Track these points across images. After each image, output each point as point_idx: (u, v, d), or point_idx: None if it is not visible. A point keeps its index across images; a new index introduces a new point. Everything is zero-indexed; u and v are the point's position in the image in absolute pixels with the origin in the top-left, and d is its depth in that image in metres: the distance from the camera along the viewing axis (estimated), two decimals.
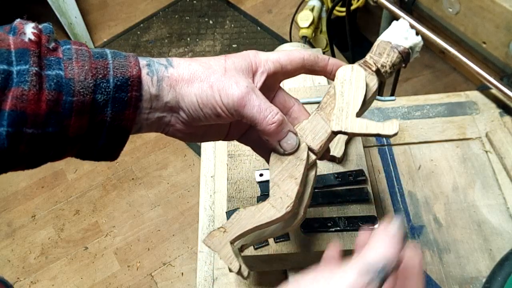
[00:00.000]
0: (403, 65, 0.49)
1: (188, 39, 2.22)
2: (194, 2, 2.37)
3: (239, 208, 0.51)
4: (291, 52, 0.47)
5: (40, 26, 0.39)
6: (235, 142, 0.67)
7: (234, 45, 2.18)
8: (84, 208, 1.76)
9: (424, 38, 0.90)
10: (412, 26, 0.49)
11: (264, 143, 0.48)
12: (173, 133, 0.46)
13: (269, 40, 2.17)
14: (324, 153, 0.49)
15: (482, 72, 0.80)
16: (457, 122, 0.78)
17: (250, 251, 0.57)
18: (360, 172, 0.62)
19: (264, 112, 0.42)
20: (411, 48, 0.48)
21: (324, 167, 0.63)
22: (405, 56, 0.48)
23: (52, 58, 0.37)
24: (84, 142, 0.40)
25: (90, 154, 0.42)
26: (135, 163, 1.85)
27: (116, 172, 1.84)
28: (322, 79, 0.78)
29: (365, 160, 0.64)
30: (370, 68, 0.48)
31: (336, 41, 1.72)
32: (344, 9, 1.40)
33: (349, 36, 1.34)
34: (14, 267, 1.65)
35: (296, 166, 0.45)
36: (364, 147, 0.67)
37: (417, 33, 0.49)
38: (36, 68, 0.36)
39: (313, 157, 0.46)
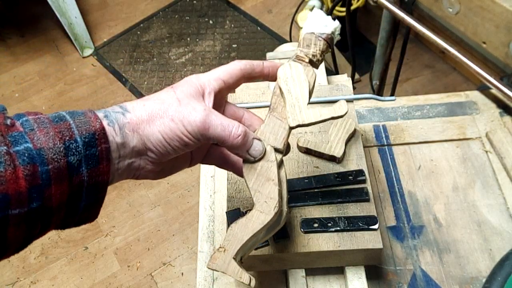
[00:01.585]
0: (329, 49, 0.54)
1: (188, 39, 2.22)
2: (194, 2, 2.37)
3: (238, 207, 0.52)
4: (228, 66, 0.49)
5: None
6: None
7: (234, 45, 2.18)
8: None
9: (424, 38, 0.90)
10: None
11: (226, 158, 0.51)
12: (145, 175, 0.46)
13: (269, 40, 2.17)
14: (286, 149, 0.52)
15: (482, 72, 0.80)
16: (457, 122, 0.78)
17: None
18: (360, 172, 0.62)
19: (227, 128, 0.44)
20: (333, 32, 0.54)
21: (324, 167, 0.63)
22: (330, 41, 0.54)
23: (15, 134, 0.36)
24: (65, 210, 0.39)
25: (72, 220, 0.41)
26: None
27: None
28: (321, 80, 0.78)
29: (365, 160, 0.64)
30: (303, 61, 0.52)
31: (336, 41, 1.72)
32: (344, 9, 1.40)
33: (349, 36, 1.34)
34: (14, 267, 1.65)
35: (269, 169, 0.47)
36: (364, 147, 0.67)
37: (334, 18, 0.54)
38: (5, 147, 0.35)
39: (279, 156, 0.49)
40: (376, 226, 0.57)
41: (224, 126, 0.44)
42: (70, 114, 0.40)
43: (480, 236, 0.66)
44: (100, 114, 0.41)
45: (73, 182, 0.38)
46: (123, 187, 1.79)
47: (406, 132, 0.77)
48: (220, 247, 0.45)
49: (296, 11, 1.78)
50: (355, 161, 0.63)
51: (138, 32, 2.27)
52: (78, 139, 0.38)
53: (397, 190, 0.72)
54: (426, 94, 0.83)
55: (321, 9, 1.76)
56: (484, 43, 0.98)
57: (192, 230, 1.67)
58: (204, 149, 0.52)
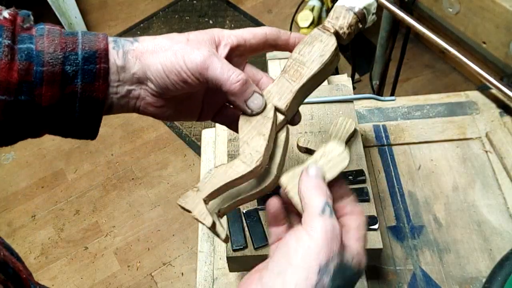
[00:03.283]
0: (361, 25, 0.52)
1: None
2: (194, 2, 2.37)
3: (238, 207, 0.51)
4: (253, 28, 0.49)
5: (17, 10, 0.42)
6: (236, 142, 0.67)
7: None
8: (84, 208, 1.76)
9: (424, 38, 0.90)
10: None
11: (237, 119, 0.50)
12: (144, 108, 0.47)
13: None
14: (294, 118, 0.50)
15: (482, 72, 0.80)
16: (457, 122, 0.78)
17: (250, 251, 0.57)
18: (360, 172, 0.62)
19: (227, 72, 0.44)
20: (366, 8, 0.51)
21: None
22: (361, 16, 0.51)
23: (25, 35, 0.41)
24: (58, 114, 0.42)
25: (68, 129, 0.44)
26: (135, 163, 1.85)
27: (116, 172, 1.84)
28: None
29: (365, 160, 0.64)
30: (328, 31, 0.50)
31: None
32: None
33: None
34: None
35: (263, 124, 0.46)
36: (364, 147, 0.67)
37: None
38: (9, 41, 0.39)
39: (281, 117, 0.48)
40: (376, 226, 0.57)
41: (224, 70, 0.44)
42: (84, 32, 0.43)
43: (480, 236, 0.66)
44: (110, 39, 0.44)
45: (66, 89, 0.41)
46: (123, 187, 1.80)
47: (406, 132, 0.77)
48: (194, 187, 0.44)
49: (296, 11, 1.78)
50: (355, 161, 0.63)
51: (138, 32, 2.27)
52: (79, 53, 0.42)
53: (397, 190, 0.72)
54: (426, 94, 0.83)
55: (321, 8, 1.75)
56: (484, 43, 0.98)
57: (192, 230, 1.67)
58: (216, 105, 0.52)
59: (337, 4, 0.52)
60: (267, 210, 0.45)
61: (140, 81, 0.45)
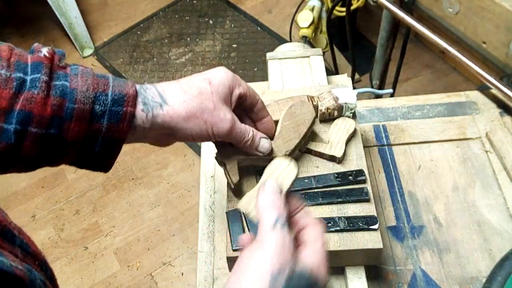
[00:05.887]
0: (336, 113, 0.65)
1: (188, 39, 2.22)
2: (194, 2, 2.37)
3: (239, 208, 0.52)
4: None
5: (54, 49, 0.45)
6: None
7: (234, 45, 2.17)
8: (84, 208, 1.76)
9: (424, 38, 0.90)
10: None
11: None
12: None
13: (269, 40, 2.17)
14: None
15: (482, 72, 0.80)
16: (457, 122, 0.78)
17: None
18: (360, 172, 0.62)
19: (243, 135, 0.52)
20: (346, 104, 0.64)
21: (324, 167, 0.63)
22: (338, 107, 0.64)
23: (61, 73, 0.44)
24: (81, 148, 0.44)
25: (86, 161, 0.47)
26: (135, 163, 1.85)
27: (116, 172, 1.83)
28: (322, 79, 0.78)
29: (365, 160, 0.64)
30: (312, 101, 0.64)
31: (336, 41, 1.72)
32: (344, 9, 1.40)
33: (349, 36, 1.34)
34: None
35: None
36: (364, 147, 0.67)
37: (357, 99, 0.65)
38: (47, 78, 0.42)
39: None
40: (376, 226, 0.57)
41: (242, 132, 0.52)
42: (114, 77, 0.47)
43: (480, 236, 0.66)
44: (140, 97, 0.46)
45: (92, 127, 0.44)
46: (123, 187, 1.79)
47: (406, 132, 0.77)
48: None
49: (296, 11, 1.78)
50: (355, 161, 0.63)
51: (138, 32, 2.27)
52: (109, 94, 0.44)
53: (397, 190, 0.72)
54: (426, 94, 0.83)
55: (321, 8, 1.75)
56: (484, 43, 0.98)
57: (192, 230, 1.67)
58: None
59: (332, 89, 0.66)
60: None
61: (164, 134, 0.49)
